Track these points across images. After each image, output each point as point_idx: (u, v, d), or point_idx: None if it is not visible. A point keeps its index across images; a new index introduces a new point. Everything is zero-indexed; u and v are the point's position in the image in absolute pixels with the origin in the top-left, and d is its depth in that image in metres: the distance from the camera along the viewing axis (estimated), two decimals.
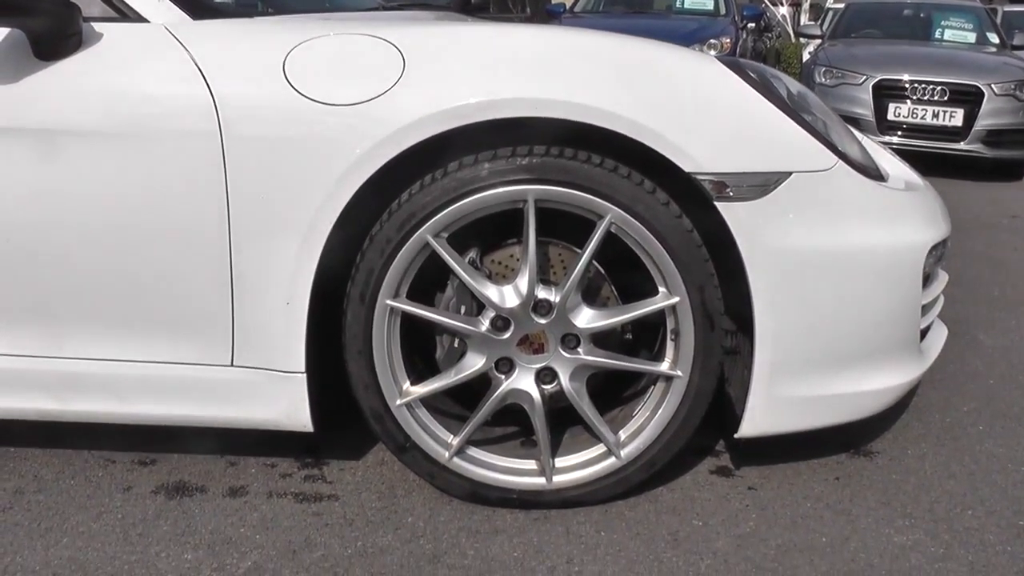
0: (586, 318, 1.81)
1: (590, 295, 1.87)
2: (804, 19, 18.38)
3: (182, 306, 1.80)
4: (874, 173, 1.87)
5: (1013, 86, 6.79)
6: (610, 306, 1.88)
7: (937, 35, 8.36)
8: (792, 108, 1.79)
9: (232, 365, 1.82)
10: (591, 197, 1.70)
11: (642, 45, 1.78)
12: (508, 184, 1.70)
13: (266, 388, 1.82)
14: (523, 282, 1.77)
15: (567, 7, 9.93)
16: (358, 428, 1.99)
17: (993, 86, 6.72)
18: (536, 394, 1.84)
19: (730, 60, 1.83)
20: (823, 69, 7.29)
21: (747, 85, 1.75)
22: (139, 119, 1.71)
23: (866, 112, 6.91)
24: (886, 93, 6.89)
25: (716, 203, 1.69)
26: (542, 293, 1.79)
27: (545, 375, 1.85)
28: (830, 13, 13.70)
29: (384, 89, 1.67)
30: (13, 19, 1.70)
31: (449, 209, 1.71)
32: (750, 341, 1.79)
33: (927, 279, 1.95)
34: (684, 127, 1.68)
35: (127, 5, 1.80)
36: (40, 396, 1.88)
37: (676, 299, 1.76)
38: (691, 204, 1.74)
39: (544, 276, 1.84)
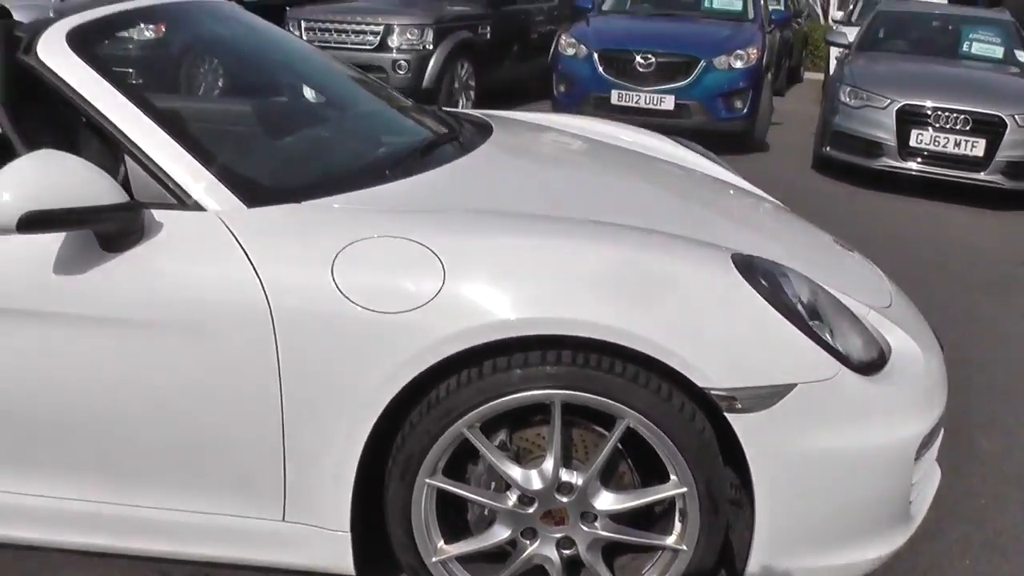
0: (605, 501, 1.99)
1: (608, 471, 2.04)
2: (835, 1, 18.10)
3: (239, 469, 1.99)
4: (877, 362, 2.02)
5: None
6: (626, 483, 2.05)
7: (964, 49, 8.36)
8: (801, 316, 1.94)
9: (283, 520, 2.02)
10: (612, 402, 1.87)
11: (665, 259, 1.93)
12: (537, 388, 1.87)
13: (314, 541, 2.02)
14: (548, 467, 1.96)
15: (595, 4, 9.92)
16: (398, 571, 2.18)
17: (1016, 117, 6.76)
18: (556, 558, 2.04)
19: (744, 262, 1.97)
20: (848, 89, 7.32)
21: (759, 296, 1.90)
22: (196, 306, 1.88)
23: (888, 137, 6.97)
24: (909, 119, 6.94)
25: (725, 414, 1.86)
26: (565, 476, 1.97)
27: (565, 543, 2.04)
28: (860, 3, 13.61)
29: (424, 301, 1.83)
30: (82, 227, 1.87)
31: (483, 408, 1.89)
32: (751, 516, 1.96)
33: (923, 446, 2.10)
34: (698, 346, 1.84)
35: (185, 192, 1.95)
36: (105, 535, 2.09)
37: (684, 489, 1.94)
38: (704, 404, 1.90)
39: (567, 455, 2.02)
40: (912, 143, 6.94)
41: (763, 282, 1.94)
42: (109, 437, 1.99)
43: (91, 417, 1.97)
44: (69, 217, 1.80)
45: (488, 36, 9.45)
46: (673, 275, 1.91)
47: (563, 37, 8.52)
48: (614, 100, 7.93)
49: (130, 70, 2.37)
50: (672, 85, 7.80)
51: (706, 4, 9.27)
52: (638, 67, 7.87)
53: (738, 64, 7.91)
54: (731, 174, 3.29)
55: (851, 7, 13.94)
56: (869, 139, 7.08)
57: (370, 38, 8.55)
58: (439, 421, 1.90)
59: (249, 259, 1.88)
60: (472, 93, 9.24)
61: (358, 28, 8.56)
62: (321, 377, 1.88)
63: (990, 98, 6.95)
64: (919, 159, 6.94)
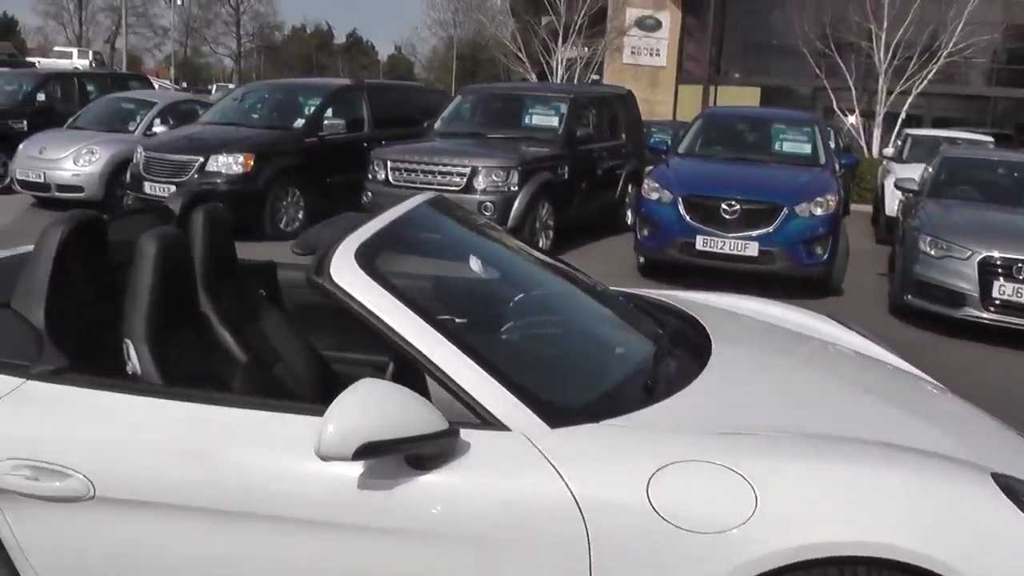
0: None
1: None
2: (876, 133, 18.64)
3: None
4: None
5: None
6: None
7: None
8: None
9: None
10: None
11: (946, 480, 2.09)
12: None
13: None
14: None
15: (668, 146, 10.39)
16: None
17: None
18: None
19: (1006, 485, 2.11)
20: (928, 239, 7.60)
21: (1019, 512, 2.04)
22: (506, 521, 2.05)
23: (971, 287, 7.21)
24: (991, 270, 7.19)
25: None
26: None
27: None
28: (909, 140, 14.06)
29: (736, 524, 2.00)
30: (407, 452, 2.08)
31: None
32: None
33: None
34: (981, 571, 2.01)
35: (490, 414, 2.15)
36: None
37: None
38: None
39: None
40: (995, 293, 7.17)
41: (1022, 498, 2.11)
42: None
43: None
44: (398, 446, 2.01)
45: (565, 176, 9.89)
46: (957, 497, 2.06)
47: (646, 181, 8.89)
48: (699, 246, 8.24)
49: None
50: (756, 232, 8.11)
51: (776, 147, 9.70)
52: (723, 213, 8.20)
53: (819, 211, 8.22)
54: (888, 353, 3.50)
55: (900, 143, 14.40)
56: (952, 289, 7.32)
57: (456, 179, 8.98)
58: None
59: (562, 478, 2.06)
60: (551, 232, 9.62)
61: (444, 169, 8.99)
62: None
63: None
64: (1002, 309, 7.15)
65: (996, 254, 7.21)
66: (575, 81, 23.73)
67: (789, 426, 2.35)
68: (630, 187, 11.65)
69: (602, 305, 3.22)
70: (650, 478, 2.06)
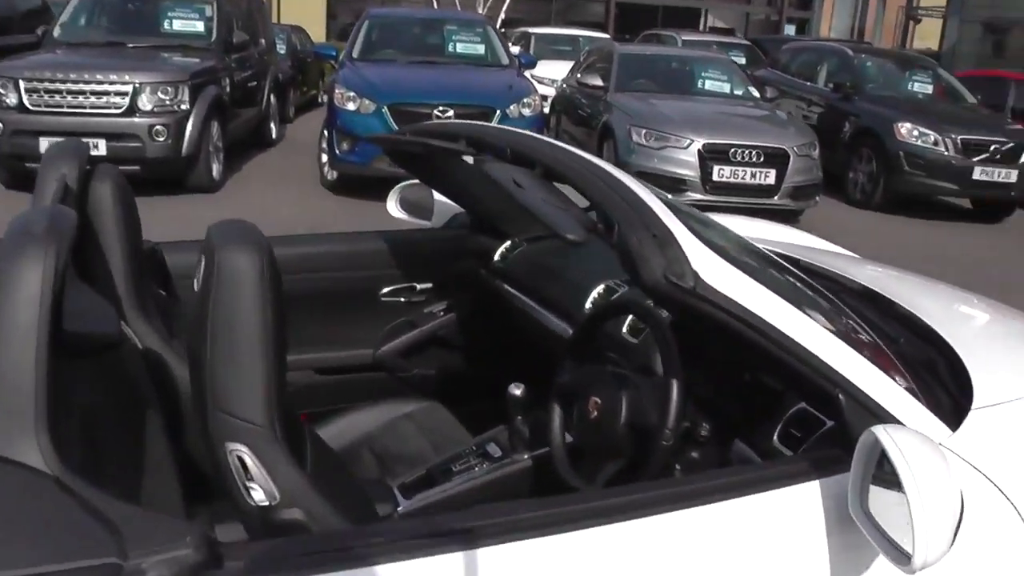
0: None
1: None
2: None
3: None
4: None
5: (808, 147, 7.78)
6: None
7: (699, 86, 9.24)
8: None
9: None
10: None
11: None
12: None
13: None
14: None
15: (337, 53, 9.42)
16: None
17: (796, 148, 7.64)
18: None
19: None
20: (643, 131, 7.73)
21: None
22: None
23: (692, 173, 7.50)
24: (709, 156, 7.52)
25: None
26: None
27: None
28: (532, 39, 14.38)
29: None
30: None
31: None
32: None
33: None
34: None
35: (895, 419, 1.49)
36: None
37: None
38: None
39: None
40: (715, 177, 7.51)
41: None
42: None
43: None
44: None
45: (228, 90, 8.50)
46: None
47: (337, 89, 7.91)
48: None
49: None
50: None
51: (452, 49, 9.22)
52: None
53: (527, 112, 7.97)
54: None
55: (523, 43, 14.65)
56: (675, 176, 7.53)
57: (116, 99, 7.19)
58: None
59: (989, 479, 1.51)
60: (222, 156, 8.25)
61: (100, 88, 7.18)
62: None
63: (771, 134, 7.79)
64: (719, 190, 7.54)
65: (714, 141, 7.53)
66: None
67: None
68: (273, 98, 10.48)
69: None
70: None
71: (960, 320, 2.05)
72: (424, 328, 2.69)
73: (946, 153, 8.58)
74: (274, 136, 10.70)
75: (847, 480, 1.36)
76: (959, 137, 8.61)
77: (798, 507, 1.33)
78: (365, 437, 2.33)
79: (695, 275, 1.31)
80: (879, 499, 1.30)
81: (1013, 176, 8.57)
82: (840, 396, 1.38)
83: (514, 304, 2.56)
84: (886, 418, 1.41)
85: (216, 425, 1.22)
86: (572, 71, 10.87)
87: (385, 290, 2.64)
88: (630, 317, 2.04)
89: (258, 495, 1.22)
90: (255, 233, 1.26)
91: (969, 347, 1.82)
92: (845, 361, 1.39)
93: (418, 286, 2.68)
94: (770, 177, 7.56)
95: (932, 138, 8.61)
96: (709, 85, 9.24)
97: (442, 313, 2.72)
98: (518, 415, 2.02)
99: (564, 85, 10.96)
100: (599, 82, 9.09)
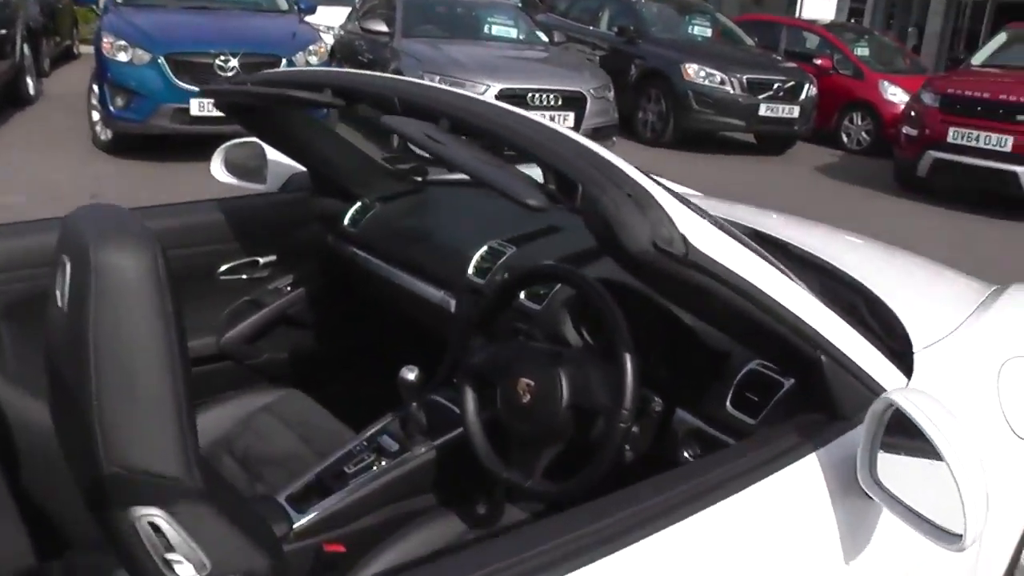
0: None
1: None
2: None
3: None
4: None
5: (603, 89, 7.82)
6: None
7: (486, 31, 9.06)
8: None
9: None
10: None
11: None
12: None
13: None
14: None
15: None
16: None
17: (592, 90, 7.65)
18: None
19: None
20: (437, 78, 7.46)
21: None
22: None
23: None
24: (506, 100, 7.37)
25: None
26: None
27: None
28: None
29: None
30: None
31: None
32: None
33: None
34: None
35: (875, 383, 1.32)
36: None
37: None
38: None
39: None
40: None
41: None
42: None
43: None
44: None
45: None
46: None
47: (105, 39, 7.05)
48: (195, 111, 6.90)
49: None
50: None
51: None
52: (218, 71, 6.97)
53: (314, 60, 7.52)
54: None
55: None
56: None
57: None
58: None
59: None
60: None
61: None
62: None
63: (568, 78, 7.75)
64: None
65: (511, 86, 7.41)
66: None
67: None
68: (27, 49, 9.29)
69: None
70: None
71: (864, 262, 1.98)
72: (271, 307, 2.35)
73: (732, 92, 8.96)
74: (32, 92, 9.46)
75: (842, 448, 1.23)
76: (744, 76, 9.03)
77: (803, 485, 1.19)
78: (221, 440, 2.00)
79: (684, 239, 1.10)
80: (888, 467, 1.17)
81: (795, 112, 9.16)
82: (822, 358, 1.24)
83: (374, 273, 2.28)
84: (863, 378, 1.29)
85: (114, 487, 0.89)
86: (350, 17, 10.39)
87: (223, 267, 2.27)
88: None
89: (184, 570, 0.91)
90: (136, 222, 0.93)
91: (885, 289, 1.75)
92: (824, 322, 1.25)
93: (260, 260, 2.33)
94: (569, 120, 7.53)
95: (719, 78, 8.96)
96: (496, 30, 9.05)
97: (289, 288, 2.40)
98: (413, 401, 1.77)
99: (343, 32, 10.46)
100: (383, 28, 8.67)
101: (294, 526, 1.59)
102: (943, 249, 5.41)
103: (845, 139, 10.51)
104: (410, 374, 1.73)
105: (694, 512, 1.04)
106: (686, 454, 1.51)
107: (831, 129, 10.45)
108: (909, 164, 8.13)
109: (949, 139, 7.70)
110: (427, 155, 1.36)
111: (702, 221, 1.13)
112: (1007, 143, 7.36)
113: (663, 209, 1.10)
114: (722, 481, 1.10)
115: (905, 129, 8.25)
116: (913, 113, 8.22)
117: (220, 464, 1.91)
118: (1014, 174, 7.33)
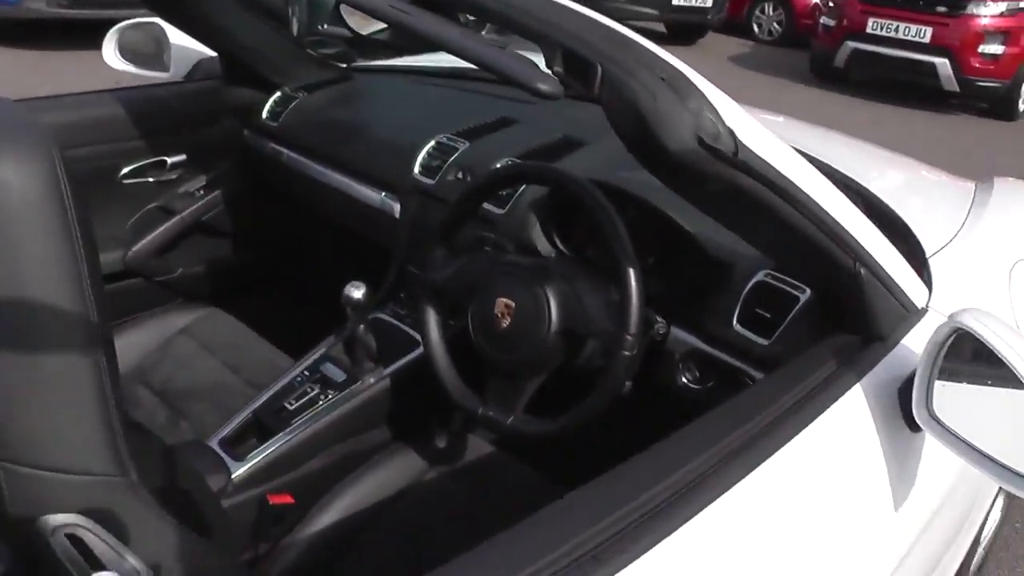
0: None
1: None
2: None
3: None
4: None
5: None
6: None
7: None
8: None
9: None
10: None
11: None
12: None
13: None
14: None
15: None
16: None
17: None
18: None
19: None
20: None
21: None
22: None
23: None
24: None
25: None
26: None
27: None
28: None
29: None
30: None
31: None
32: None
33: None
34: None
35: (911, 302, 1.19)
36: None
37: None
38: None
39: None
40: None
41: None
42: None
43: None
44: None
45: None
46: None
47: None
48: None
49: None
50: None
51: None
52: None
53: None
54: None
55: None
56: None
57: None
58: None
59: None
60: None
61: None
62: None
63: None
64: None
65: None
66: None
67: None
68: None
69: None
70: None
71: (860, 164, 1.80)
72: (183, 214, 2.06)
73: None
74: None
75: (881, 375, 1.07)
76: None
77: (852, 423, 1.02)
78: (135, 370, 1.74)
79: (732, 135, 0.87)
80: (944, 397, 1.01)
81: (709, 1, 8.90)
82: (862, 271, 1.06)
83: (299, 172, 2.00)
84: (898, 294, 1.12)
85: (21, 493, 0.65)
86: None
87: (126, 170, 1.96)
88: None
89: None
90: (31, 123, 0.67)
91: (887, 192, 1.58)
92: (862, 231, 1.06)
93: (168, 160, 2.03)
94: None
95: None
96: None
97: (202, 192, 2.10)
98: (360, 323, 1.55)
99: None
100: None
101: (232, 476, 1.37)
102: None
103: (756, 29, 10.38)
104: (356, 291, 1.50)
105: (751, 469, 0.85)
106: (684, 379, 1.33)
107: (742, 20, 10.29)
108: (826, 54, 8.04)
109: (868, 29, 7.62)
110: (390, 32, 1.09)
111: (745, 114, 0.91)
112: (926, 34, 7.31)
113: (705, 97, 0.86)
114: (772, 427, 0.91)
115: (823, 20, 8.14)
116: (832, 3, 8.09)
117: (137, 400, 1.66)
118: (932, 65, 7.31)
